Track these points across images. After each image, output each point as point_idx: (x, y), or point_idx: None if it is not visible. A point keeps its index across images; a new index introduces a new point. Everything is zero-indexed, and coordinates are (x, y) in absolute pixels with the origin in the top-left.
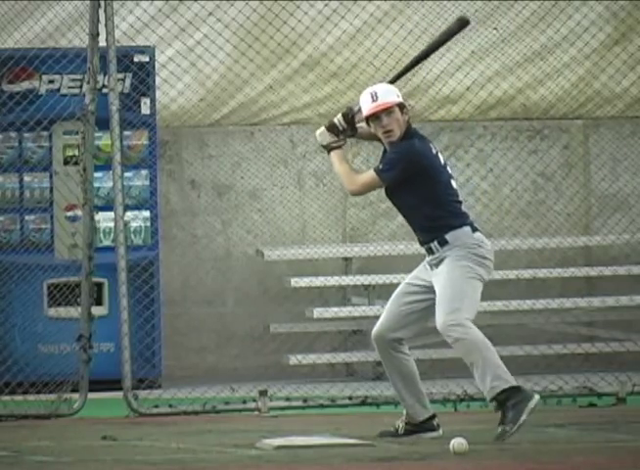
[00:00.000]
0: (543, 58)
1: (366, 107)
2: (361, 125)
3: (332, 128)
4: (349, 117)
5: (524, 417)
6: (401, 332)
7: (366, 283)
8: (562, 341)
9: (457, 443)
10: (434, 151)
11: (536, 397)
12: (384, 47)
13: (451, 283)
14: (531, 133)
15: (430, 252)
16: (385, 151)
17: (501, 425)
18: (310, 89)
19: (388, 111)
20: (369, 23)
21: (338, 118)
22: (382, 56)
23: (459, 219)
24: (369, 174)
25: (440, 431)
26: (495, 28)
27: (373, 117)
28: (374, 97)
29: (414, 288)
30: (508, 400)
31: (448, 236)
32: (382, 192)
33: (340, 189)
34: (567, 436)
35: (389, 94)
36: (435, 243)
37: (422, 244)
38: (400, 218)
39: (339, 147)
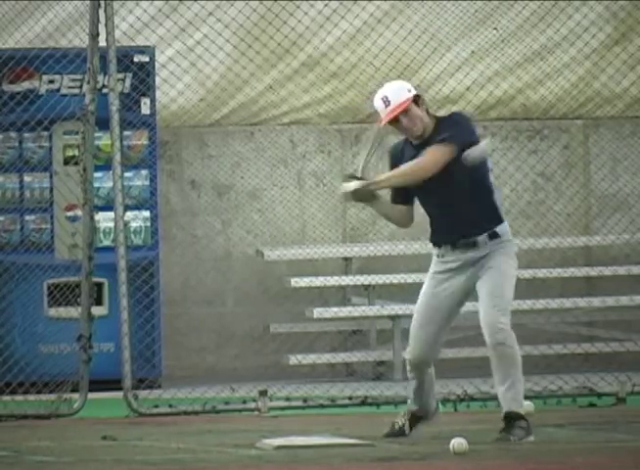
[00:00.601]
0: (543, 58)
1: (382, 114)
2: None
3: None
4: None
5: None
6: (437, 349)
7: (366, 283)
8: (562, 341)
9: (457, 443)
10: None
11: (532, 437)
12: (384, 47)
13: (507, 280)
14: (531, 133)
15: (471, 246)
16: (414, 145)
17: (504, 432)
18: (310, 89)
19: (404, 112)
20: (369, 23)
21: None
22: (382, 56)
23: (501, 212)
24: (436, 149)
25: (440, 409)
26: (495, 28)
27: (392, 122)
28: (386, 102)
29: (433, 310)
30: (519, 420)
31: (499, 229)
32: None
33: (339, 189)
34: (567, 436)
35: (400, 93)
36: (484, 236)
37: (460, 238)
38: None
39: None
